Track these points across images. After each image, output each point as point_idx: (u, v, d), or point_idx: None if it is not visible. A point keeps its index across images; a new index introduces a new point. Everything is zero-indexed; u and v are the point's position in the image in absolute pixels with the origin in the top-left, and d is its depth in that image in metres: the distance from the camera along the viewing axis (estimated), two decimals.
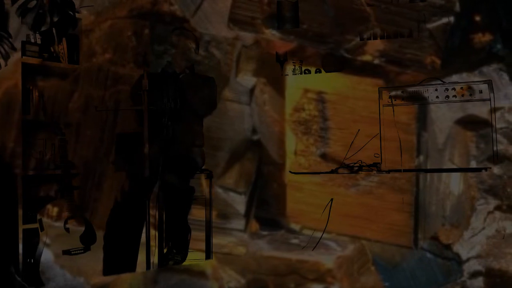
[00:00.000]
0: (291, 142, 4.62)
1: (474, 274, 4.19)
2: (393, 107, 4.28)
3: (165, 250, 4.27)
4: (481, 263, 4.18)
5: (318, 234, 4.43)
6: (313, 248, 4.37)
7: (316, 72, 4.59)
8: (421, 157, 4.40)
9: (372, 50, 4.50)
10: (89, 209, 4.71)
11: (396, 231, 4.40)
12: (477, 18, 4.33)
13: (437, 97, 4.22)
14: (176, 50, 4.41)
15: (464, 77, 4.30)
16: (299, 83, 4.64)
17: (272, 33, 4.70)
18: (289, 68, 4.65)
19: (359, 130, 4.40)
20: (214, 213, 4.48)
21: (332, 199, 4.36)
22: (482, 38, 4.31)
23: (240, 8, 4.78)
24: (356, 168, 4.35)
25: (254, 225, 4.58)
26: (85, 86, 4.86)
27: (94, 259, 4.38)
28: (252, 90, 4.73)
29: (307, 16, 4.65)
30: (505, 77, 4.21)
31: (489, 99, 4.11)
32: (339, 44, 4.57)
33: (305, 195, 4.52)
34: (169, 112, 4.23)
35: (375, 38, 4.47)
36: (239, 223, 4.63)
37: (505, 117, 4.21)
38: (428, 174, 4.36)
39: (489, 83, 4.11)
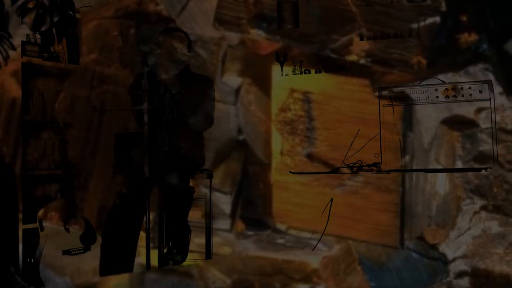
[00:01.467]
0: (277, 142, 4.62)
1: (460, 274, 4.20)
2: (393, 107, 4.29)
3: (165, 250, 4.27)
4: (467, 263, 4.18)
5: (306, 235, 4.45)
6: (313, 248, 4.38)
7: (316, 72, 4.59)
8: (407, 157, 4.40)
9: (358, 50, 4.50)
10: None
11: (382, 231, 4.40)
12: (463, 18, 4.33)
13: (437, 97, 4.23)
14: (161, 51, 4.39)
15: (450, 77, 4.30)
16: (285, 83, 4.63)
17: (257, 33, 4.71)
18: (289, 68, 4.65)
19: (359, 130, 4.40)
20: (199, 213, 4.48)
21: (332, 199, 4.37)
22: (468, 38, 4.31)
23: (226, 8, 4.77)
24: (356, 168, 4.35)
25: (240, 225, 4.59)
26: (70, 86, 4.86)
27: (80, 259, 4.38)
28: (238, 90, 4.73)
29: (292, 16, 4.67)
30: (491, 77, 4.22)
31: (489, 99, 4.12)
32: (324, 44, 4.57)
33: (291, 195, 4.52)
34: (166, 121, 4.23)
35: (375, 38, 4.47)
36: (225, 223, 4.63)
37: (491, 117, 4.22)
38: (414, 174, 4.36)
39: (489, 83, 4.13)
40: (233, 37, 4.74)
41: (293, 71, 4.61)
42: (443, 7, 4.37)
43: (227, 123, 4.64)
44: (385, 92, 4.34)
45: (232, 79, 4.70)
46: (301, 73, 4.59)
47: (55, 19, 4.48)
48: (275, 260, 4.42)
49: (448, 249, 4.24)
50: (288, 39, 4.63)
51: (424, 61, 4.39)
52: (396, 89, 4.31)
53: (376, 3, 4.47)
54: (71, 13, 4.58)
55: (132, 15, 4.90)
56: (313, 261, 4.35)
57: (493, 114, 4.13)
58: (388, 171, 4.26)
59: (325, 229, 4.33)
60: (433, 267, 4.27)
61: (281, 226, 4.52)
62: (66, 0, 4.53)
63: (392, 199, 4.39)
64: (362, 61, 4.50)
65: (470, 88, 4.16)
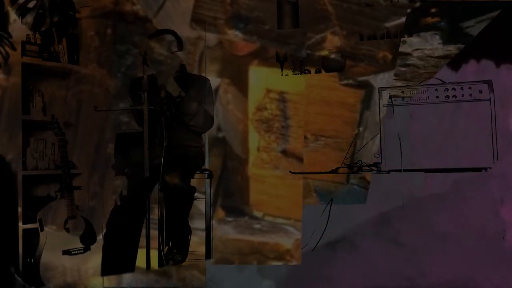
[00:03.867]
0: (254, 139, 4.80)
1: None
2: (393, 107, 4.40)
3: (165, 250, 4.35)
4: None
5: (281, 221, 4.81)
6: (313, 249, 4.56)
7: (316, 72, 4.69)
8: (361, 128, 4.74)
9: (330, 46, 4.64)
10: None
11: None
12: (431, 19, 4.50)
13: (437, 97, 4.31)
14: (138, 50, 4.35)
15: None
16: (262, 84, 4.76)
17: (234, 34, 4.70)
18: (288, 68, 4.72)
19: (359, 130, 4.66)
20: None
21: (332, 199, 4.61)
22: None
23: (202, 8, 4.70)
24: (356, 167, 4.52)
25: (221, 213, 4.82)
26: (48, 85, 4.76)
27: (58, 259, 4.48)
28: (216, 90, 4.80)
29: (269, 16, 4.67)
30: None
31: (489, 99, 4.18)
32: (301, 44, 4.67)
33: (266, 187, 4.78)
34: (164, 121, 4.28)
35: (375, 38, 4.57)
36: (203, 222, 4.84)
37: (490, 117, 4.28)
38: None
39: (489, 83, 4.18)
40: (210, 37, 4.72)
41: (293, 71, 4.70)
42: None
43: None
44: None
45: (210, 79, 4.73)
46: (301, 73, 4.69)
47: (55, 19, 4.37)
48: (252, 242, 4.75)
49: None
50: (266, 40, 4.68)
51: (389, 56, 4.60)
52: (395, 89, 4.42)
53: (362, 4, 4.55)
54: (71, 13, 4.48)
55: (108, 15, 4.73)
56: (286, 243, 4.77)
57: (492, 114, 4.16)
58: (388, 171, 4.38)
59: (325, 229, 4.54)
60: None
61: (258, 214, 4.78)
62: (66, 0, 4.36)
63: None
64: (333, 56, 4.66)
65: (470, 88, 4.22)
